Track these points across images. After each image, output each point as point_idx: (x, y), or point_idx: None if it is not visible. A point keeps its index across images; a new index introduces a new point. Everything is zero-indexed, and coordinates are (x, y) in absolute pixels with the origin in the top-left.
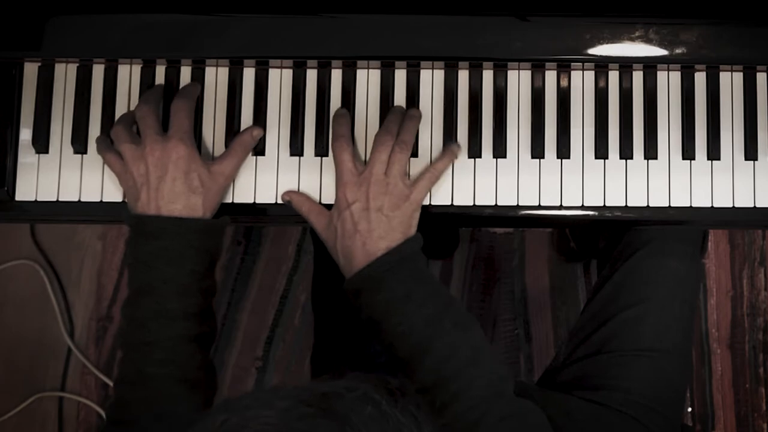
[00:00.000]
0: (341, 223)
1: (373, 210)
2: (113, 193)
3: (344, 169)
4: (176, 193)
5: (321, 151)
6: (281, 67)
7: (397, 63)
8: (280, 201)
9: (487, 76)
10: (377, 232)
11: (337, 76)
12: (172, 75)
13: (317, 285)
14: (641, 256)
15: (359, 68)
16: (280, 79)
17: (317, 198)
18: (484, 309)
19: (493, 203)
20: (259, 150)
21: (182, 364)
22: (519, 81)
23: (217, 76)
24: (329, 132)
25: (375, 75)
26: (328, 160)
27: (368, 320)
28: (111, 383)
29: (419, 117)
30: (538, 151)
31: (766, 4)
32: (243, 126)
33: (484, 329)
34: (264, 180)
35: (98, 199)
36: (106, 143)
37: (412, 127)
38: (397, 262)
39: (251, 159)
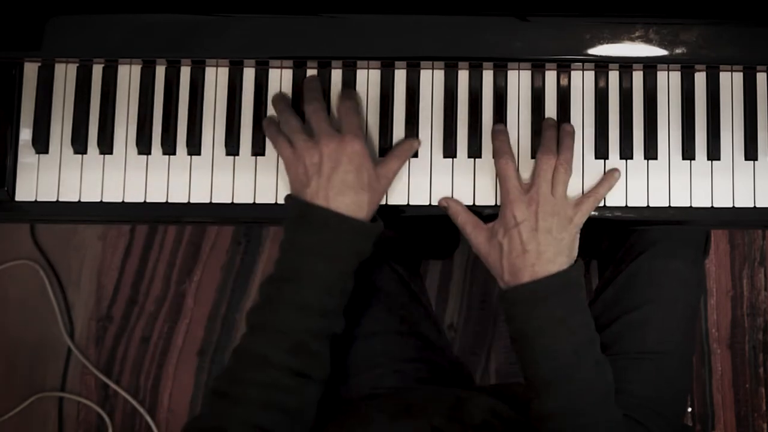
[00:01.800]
0: (508, 241)
1: (542, 231)
2: (113, 194)
3: (510, 186)
4: (347, 186)
5: None
6: (281, 67)
7: (397, 63)
8: (281, 202)
9: (487, 76)
10: (546, 255)
11: (337, 76)
12: (172, 75)
13: None
14: (645, 259)
15: (359, 68)
16: (280, 79)
17: None
18: (484, 309)
19: (494, 203)
20: (259, 151)
21: (306, 359)
22: (519, 81)
23: (217, 77)
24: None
25: (375, 75)
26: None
27: (517, 332)
28: (111, 383)
29: (574, 132)
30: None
31: (766, 4)
32: (244, 126)
33: (485, 329)
34: (264, 181)
35: (98, 200)
36: (276, 127)
37: (570, 145)
38: (562, 285)
39: (251, 159)
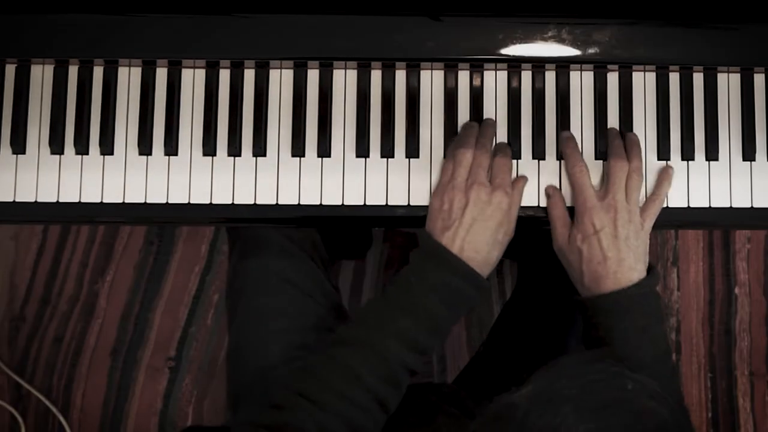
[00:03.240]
0: (587, 247)
1: (621, 239)
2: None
3: (587, 194)
4: (482, 244)
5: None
6: (194, 67)
7: (309, 63)
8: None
9: (400, 76)
10: (627, 262)
11: (249, 75)
12: (85, 74)
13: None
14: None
15: (272, 68)
16: (192, 81)
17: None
18: None
19: (406, 203)
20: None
21: (392, 391)
22: (432, 81)
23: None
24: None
25: (288, 75)
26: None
27: (598, 339)
28: (24, 383)
29: (638, 141)
30: None
31: (677, 4)
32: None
33: None
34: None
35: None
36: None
37: (639, 153)
38: (645, 295)
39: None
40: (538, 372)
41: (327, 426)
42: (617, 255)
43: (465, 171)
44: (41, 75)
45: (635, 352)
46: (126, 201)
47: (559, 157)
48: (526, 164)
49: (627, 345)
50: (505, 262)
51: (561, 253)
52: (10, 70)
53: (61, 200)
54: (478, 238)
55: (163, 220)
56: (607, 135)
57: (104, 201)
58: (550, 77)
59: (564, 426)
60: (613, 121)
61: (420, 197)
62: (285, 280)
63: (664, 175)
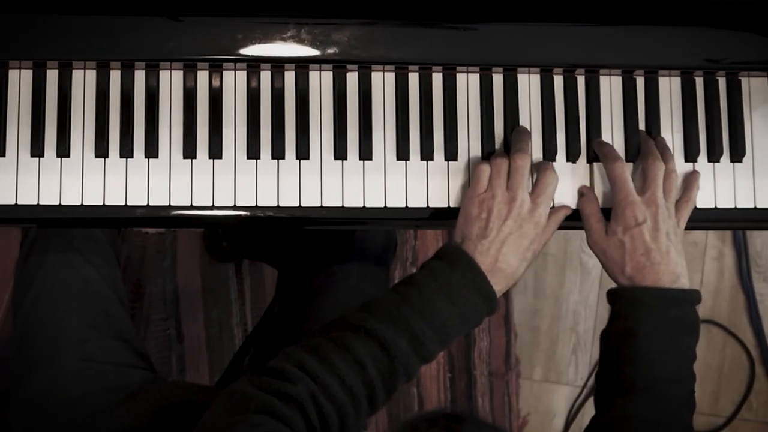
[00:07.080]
0: (630, 240)
1: (662, 232)
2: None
3: (628, 188)
4: (511, 257)
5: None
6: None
7: (49, 63)
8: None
9: (139, 76)
10: (671, 255)
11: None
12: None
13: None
14: (339, 277)
15: (11, 69)
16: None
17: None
18: (136, 309)
19: (145, 203)
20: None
21: (382, 389)
22: (171, 81)
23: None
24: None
25: (27, 75)
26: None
27: (625, 330)
28: None
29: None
30: (189, 151)
31: (414, 5)
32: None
33: (137, 330)
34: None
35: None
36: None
37: (672, 155)
38: (688, 303)
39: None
40: None
41: (324, 408)
42: (659, 246)
43: (503, 180)
44: None
45: (660, 352)
46: None
47: (300, 156)
48: (265, 164)
49: (654, 343)
50: (244, 262)
51: (598, 247)
52: None
53: None
54: (511, 250)
55: None
56: (639, 136)
57: None
58: (290, 77)
59: None
60: (353, 120)
61: (159, 198)
62: (86, 260)
63: (692, 178)
